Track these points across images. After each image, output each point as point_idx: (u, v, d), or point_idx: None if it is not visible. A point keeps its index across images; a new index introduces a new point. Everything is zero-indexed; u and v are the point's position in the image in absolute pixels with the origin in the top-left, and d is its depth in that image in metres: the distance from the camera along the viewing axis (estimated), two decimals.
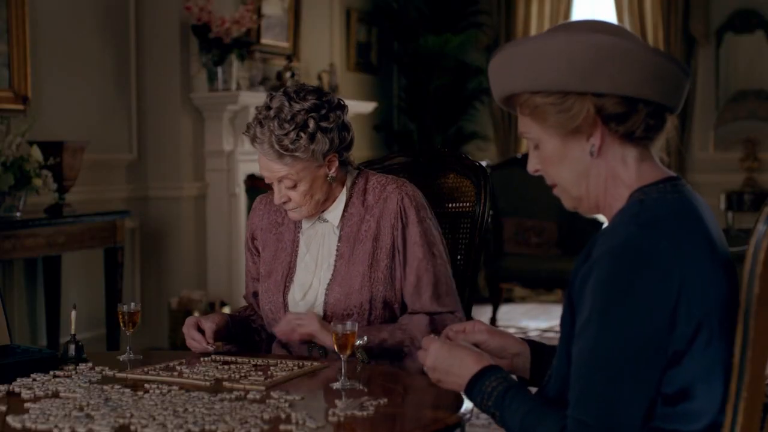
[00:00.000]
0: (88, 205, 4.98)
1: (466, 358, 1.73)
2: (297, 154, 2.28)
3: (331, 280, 2.37)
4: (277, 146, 2.28)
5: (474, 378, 1.69)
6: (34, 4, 4.82)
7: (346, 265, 2.36)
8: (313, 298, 2.39)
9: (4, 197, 4.26)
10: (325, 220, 2.42)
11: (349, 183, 2.42)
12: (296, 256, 2.44)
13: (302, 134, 2.28)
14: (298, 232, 2.46)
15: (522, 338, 1.93)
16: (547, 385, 1.70)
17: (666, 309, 1.50)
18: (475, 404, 1.70)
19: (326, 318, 2.35)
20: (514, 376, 1.79)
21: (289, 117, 2.28)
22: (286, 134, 2.27)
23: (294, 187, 2.33)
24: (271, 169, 2.32)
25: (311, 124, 2.29)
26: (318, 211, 2.40)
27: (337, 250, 2.39)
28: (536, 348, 1.90)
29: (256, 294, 2.53)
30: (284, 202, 2.36)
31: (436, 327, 2.28)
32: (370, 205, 2.39)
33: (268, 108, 2.32)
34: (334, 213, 2.41)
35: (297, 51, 6.69)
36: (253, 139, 2.32)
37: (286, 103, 2.30)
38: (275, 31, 6.49)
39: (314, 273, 2.41)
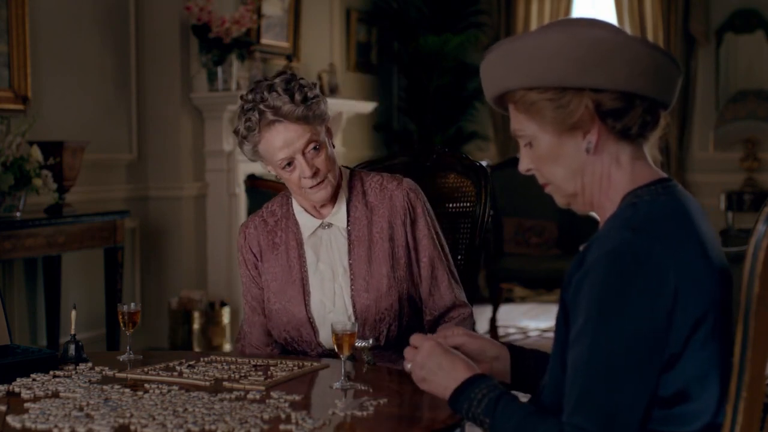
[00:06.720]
0: (88, 205, 4.98)
1: (458, 363, 1.73)
2: (320, 108, 2.25)
3: (353, 285, 2.34)
4: (300, 103, 2.22)
5: (465, 384, 1.68)
6: (34, 4, 4.81)
7: (366, 269, 2.33)
8: (342, 306, 2.35)
9: (4, 197, 4.26)
10: (329, 225, 2.38)
11: (345, 185, 2.40)
12: (306, 268, 2.38)
13: (314, 88, 2.27)
14: (301, 245, 2.40)
15: (501, 342, 1.92)
16: (543, 392, 1.68)
17: (662, 313, 1.49)
18: (459, 410, 1.68)
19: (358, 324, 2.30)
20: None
21: (290, 79, 2.26)
22: (302, 88, 2.24)
23: (318, 152, 2.27)
24: (296, 137, 2.24)
25: (310, 83, 2.29)
26: (334, 193, 2.33)
27: (350, 254, 2.35)
28: (516, 352, 1.89)
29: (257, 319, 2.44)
30: (314, 174, 2.26)
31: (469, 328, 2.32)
32: (374, 205, 2.38)
33: (263, 81, 2.27)
34: (339, 215, 2.37)
35: (297, 51, 6.68)
36: (273, 112, 2.21)
37: (274, 80, 2.27)
38: (275, 31, 6.49)
39: (333, 280, 2.36)
